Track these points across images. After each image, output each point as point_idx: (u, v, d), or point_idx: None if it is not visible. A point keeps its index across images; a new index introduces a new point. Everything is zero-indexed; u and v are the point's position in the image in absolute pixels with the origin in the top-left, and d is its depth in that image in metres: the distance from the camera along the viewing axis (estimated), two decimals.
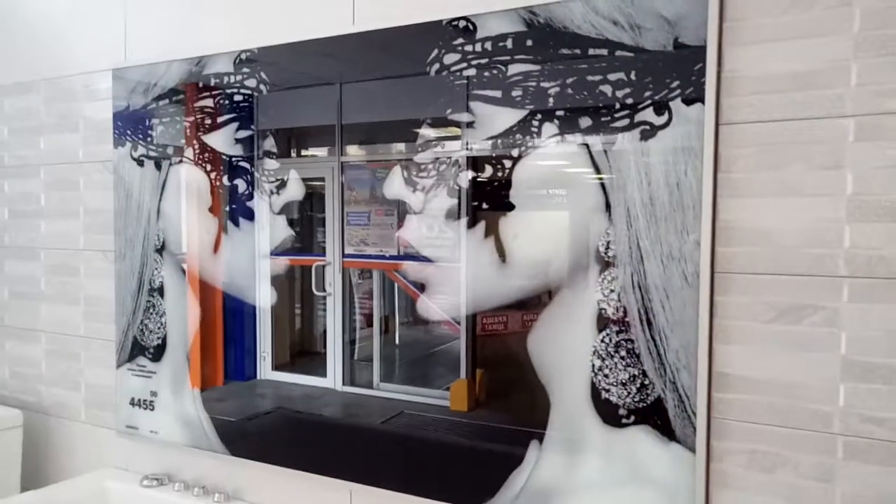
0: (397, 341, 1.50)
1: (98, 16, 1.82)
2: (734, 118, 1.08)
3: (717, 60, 1.07)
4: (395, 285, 1.47)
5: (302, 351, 1.64)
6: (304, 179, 1.54)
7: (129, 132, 1.75)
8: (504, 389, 1.30)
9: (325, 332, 1.54)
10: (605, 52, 1.15)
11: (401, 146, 1.39)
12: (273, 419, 1.56)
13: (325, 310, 1.54)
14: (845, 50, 1.00)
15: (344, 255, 1.49)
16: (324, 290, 1.53)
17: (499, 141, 1.25)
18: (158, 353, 1.71)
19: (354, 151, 1.47)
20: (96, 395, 1.86)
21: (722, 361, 1.10)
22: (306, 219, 1.57)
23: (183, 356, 1.68)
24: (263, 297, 1.58)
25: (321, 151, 1.55)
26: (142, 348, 1.74)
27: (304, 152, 1.58)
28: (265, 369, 1.62)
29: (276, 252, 1.56)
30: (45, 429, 1.97)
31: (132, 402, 1.76)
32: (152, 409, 1.72)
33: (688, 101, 1.09)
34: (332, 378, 1.52)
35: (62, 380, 1.94)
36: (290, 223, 1.56)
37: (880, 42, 0.98)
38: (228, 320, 1.64)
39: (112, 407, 1.81)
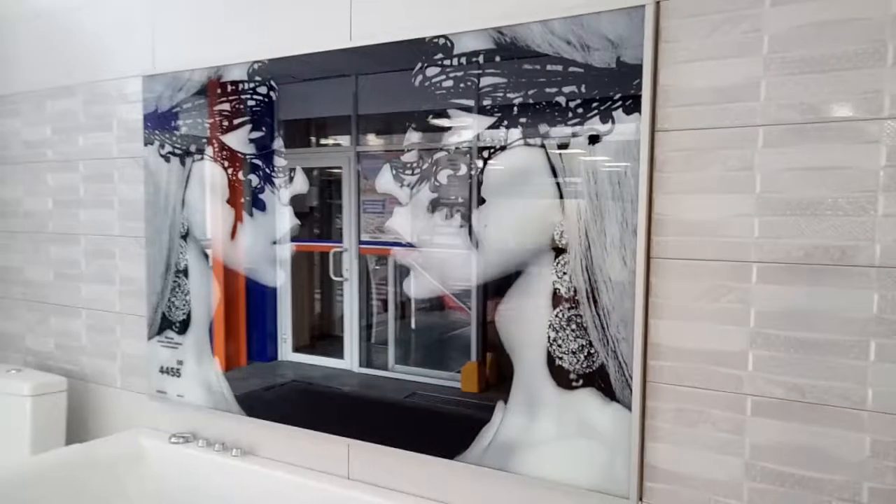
0: (413, 326, 1.62)
1: (130, 28, 2.05)
2: (667, 126, 1.26)
3: (653, 77, 1.26)
4: (411, 271, 1.58)
5: (321, 334, 1.79)
6: (321, 168, 1.70)
7: (157, 132, 1.98)
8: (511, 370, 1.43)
9: (342, 316, 1.69)
10: (560, 67, 1.34)
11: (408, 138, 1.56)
12: (286, 390, 1.78)
13: (342, 295, 1.69)
14: (756, 69, 1.18)
15: (360, 242, 1.66)
16: (341, 276, 1.69)
17: (473, 143, 1.45)
18: (184, 327, 1.95)
19: (372, 141, 1.61)
20: (130, 363, 2.11)
21: (655, 334, 1.29)
22: (325, 207, 1.71)
23: (205, 330, 1.91)
24: (281, 282, 1.79)
25: (338, 141, 1.69)
26: (169, 323, 1.98)
27: (323, 141, 1.73)
28: (286, 351, 1.81)
29: (295, 239, 1.73)
30: (86, 393, 2.23)
31: (161, 370, 2.00)
32: (179, 376, 1.97)
33: (628, 111, 1.28)
34: (350, 360, 1.69)
35: (100, 351, 2.19)
36: (310, 210, 1.71)
37: (784, 63, 1.15)
38: (250, 305, 1.82)
39: (144, 374, 2.06)
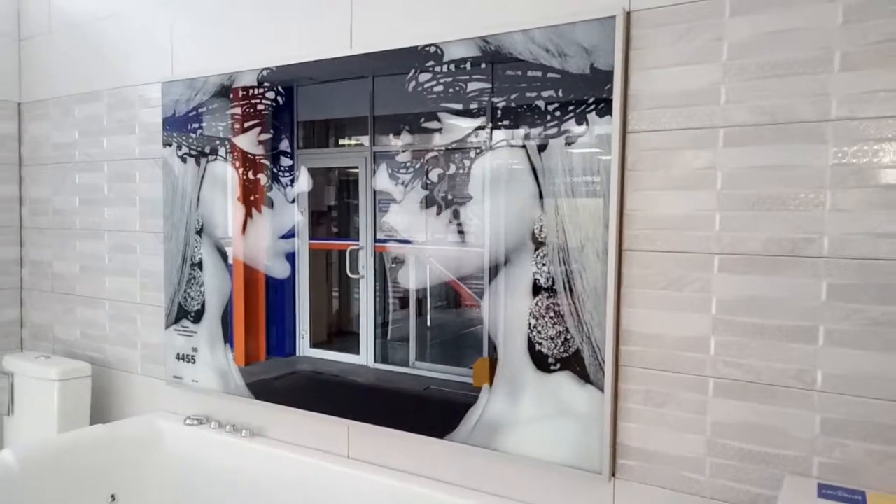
0: (429, 323, 1.68)
1: (151, 37, 2.19)
2: (637, 127, 1.36)
3: (624, 81, 1.35)
4: (427, 270, 1.64)
5: (339, 331, 1.87)
6: (340, 168, 1.79)
7: (175, 134, 2.12)
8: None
9: (359, 313, 1.76)
10: (539, 73, 1.44)
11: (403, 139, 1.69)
12: (294, 378, 1.89)
13: (359, 292, 1.76)
14: (717, 74, 1.27)
15: (376, 240, 1.76)
16: (357, 273, 1.78)
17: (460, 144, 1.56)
18: (198, 316, 2.09)
19: (389, 141, 1.66)
20: (149, 351, 2.26)
21: (626, 320, 1.38)
22: (343, 205, 1.79)
23: (218, 320, 2.05)
24: (288, 275, 1.91)
25: (355, 142, 1.76)
26: (185, 312, 2.12)
27: (341, 142, 1.80)
28: (304, 347, 1.92)
29: (313, 237, 1.82)
30: (108, 379, 2.39)
31: (178, 357, 2.14)
32: (194, 363, 2.10)
33: (601, 114, 1.37)
34: (365, 356, 1.78)
35: (122, 339, 2.34)
36: (328, 209, 1.79)
37: (741, 69, 1.24)
38: (269, 301, 1.91)
39: (162, 361, 2.20)
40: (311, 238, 1.87)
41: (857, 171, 1.16)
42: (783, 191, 1.21)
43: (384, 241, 1.72)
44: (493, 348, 1.54)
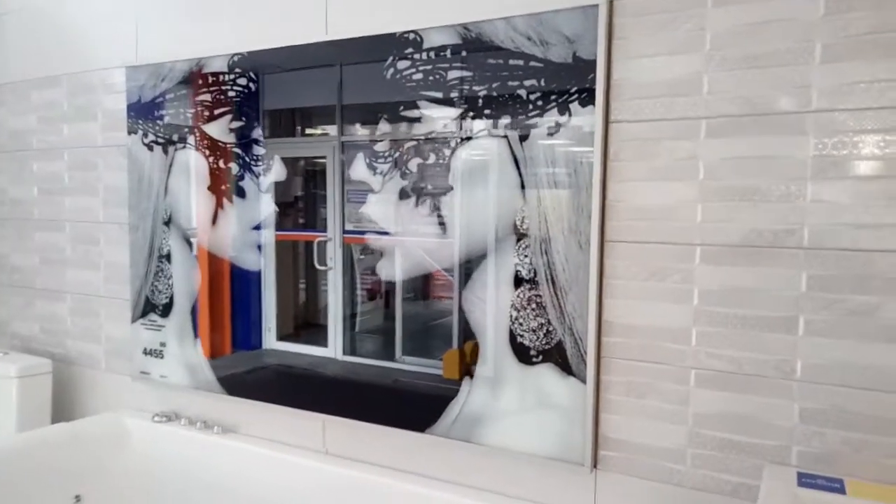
0: (398, 315, 1.66)
1: (114, 19, 2.10)
2: (620, 117, 1.35)
3: (607, 71, 1.34)
4: (405, 261, 1.60)
5: (306, 323, 1.84)
6: (306, 158, 1.75)
7: (140, 121, 2.04)
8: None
9: (326, 305, 1.73)
10: (521, 62, 1.42)
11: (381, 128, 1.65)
12: (267, 372, 1.85)
13: (327, 284, 1.73)
14: (699, 64, 1.26)
15: (344, 231, 1.73)
16: (325, 265, 1.75)
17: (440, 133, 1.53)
18: (167, 310, 2.02)
19: (357, 131, 1.64)
20: (114, 346, 2.18)
21: (608, 312, 1.38)
22: (310, 196, 1.76)
23: (187, 313, 1.98)
24: (260, 267, 1.85)
25: (322, 131, 1.73)
26: (153, 306, 2.05)
27: (308, 131, 1.77)
28: (270, 340, 1.87)
29: (279, 228, 1.79)
30: (71, 376, 2.29)
31: (145, 352, 2.07)
32: (162, 358, 2.03)
33: (584, 104, 1.36)
34: (333, 348, 1.75)
35: (85, 334, 2.25)
36: (295, 200, 1.76)
37: (723, 59, 1.24)
38: (235, 293, 1.86)
39: (128, 356, 2.13)
40: (277, 229, 1.82)
41: (837, 162, 1.17)
42: (764, 182, 1.22)
43: (361, 232, 1.68)
44: (472, 340, 1.52)
